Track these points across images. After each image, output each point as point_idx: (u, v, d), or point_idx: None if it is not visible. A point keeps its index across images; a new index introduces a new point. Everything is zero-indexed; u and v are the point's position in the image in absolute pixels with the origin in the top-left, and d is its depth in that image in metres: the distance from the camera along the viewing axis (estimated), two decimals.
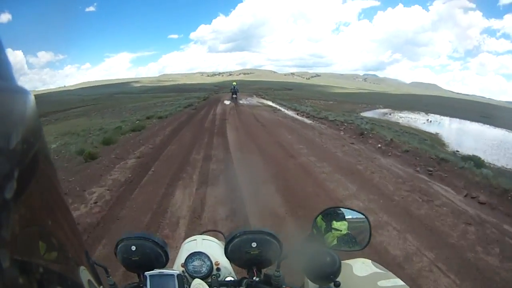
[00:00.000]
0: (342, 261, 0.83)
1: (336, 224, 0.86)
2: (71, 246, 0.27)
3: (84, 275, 0.28)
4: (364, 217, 0.89)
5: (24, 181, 0.20)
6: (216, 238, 1.18)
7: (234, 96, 20.44)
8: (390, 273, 0.87)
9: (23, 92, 0.22)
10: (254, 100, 25.13)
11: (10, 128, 0.19)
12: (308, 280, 0.82)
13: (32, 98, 0.23)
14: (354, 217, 0.90)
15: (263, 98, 28.72)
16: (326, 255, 0.78)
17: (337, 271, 0.77)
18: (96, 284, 0.31)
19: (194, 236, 1.16)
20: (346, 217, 0.89)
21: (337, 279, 0.78)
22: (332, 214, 0.89)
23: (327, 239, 0.86)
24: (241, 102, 21.29)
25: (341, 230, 0.85)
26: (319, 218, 0.88)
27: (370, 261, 0.94)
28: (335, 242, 0.86)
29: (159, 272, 0.81)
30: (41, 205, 0.23)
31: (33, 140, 0.22)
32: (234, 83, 22.00)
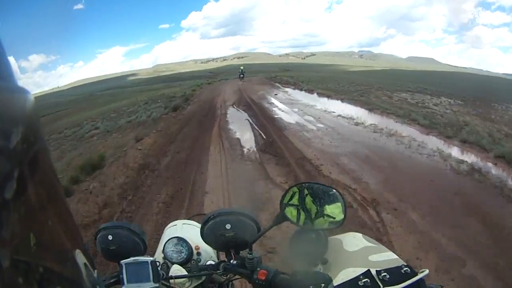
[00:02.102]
0: (332, 237, 0.89)
1: (329, 210, 0.75)
2: (71, 246, 0.28)
3: (80, 258, 0.28)
4: (336, 191, 0.77)
5: (24, 181, 0.20)
6: (199, 222, 1.05)
7: (242, 76, 24.52)
8: (382, 247, 0.86)
9: (23, 92, 0.22)
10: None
11: (10, 127, 0.19)
12: (295, 259, 0.86)
13: (32, 98, 0.23)
14: (325, 191, 0.78)
15: (290, 86, 18.69)
16: (311, 233, 0.81)
17: (323, 248, 0.81)
18: (91, 268, 0.31)
19: (175, 221, 1.16)
20: (305, 192, 0.77)
21: (326, 256, 0.81)
22: (317, 193, 0.76)
23: (317, 224, 0.75)
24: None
25: (334, 218, 0.74)
26: (308, 200, 0.76)
27: (361, 235, 0.93)
28: (308, 223, 0.76)
29: (134, 260, 0.81)
30: (41, 205, 0.23)
31: (33, 140, 0.22)
32: (242, 68, 25.86)
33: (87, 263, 0.30)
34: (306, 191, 0.76)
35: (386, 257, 0.78)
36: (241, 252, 0.86)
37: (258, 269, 0.80)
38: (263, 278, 0.77)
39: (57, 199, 0.26)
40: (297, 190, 0.77)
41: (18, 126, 0.20)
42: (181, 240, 0.94)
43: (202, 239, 0.88)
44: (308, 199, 0.76)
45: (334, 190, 0.77)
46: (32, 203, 0.21)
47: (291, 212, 0.76)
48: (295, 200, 0.76)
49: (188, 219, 1.18)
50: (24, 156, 0.21)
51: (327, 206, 0.74)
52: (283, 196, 0.77)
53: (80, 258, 0.29)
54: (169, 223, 1.18)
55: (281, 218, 0.77)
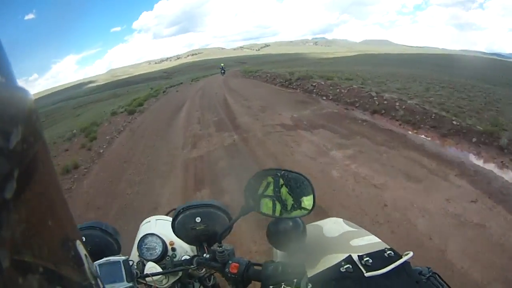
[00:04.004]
0: (311, 223, 0.85)
1: (306, 202, 0.71)
2: (71, 246, 0.28)
3: (81, 249, 0.29)
4: (304, 178, 0.72)
5: (24, 181, 0.20)
6: None
7: (223, 71, 27.48)
8: (363, 230, 0.83)
9: (23, 91, 0.22)
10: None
11: (10, 127, 0.19)
12: (275, 249, 0.82)
13: (31, 97, 0.23)
14: (297, 180, 0.73)
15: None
16: (288, 221, 0.74)
17: (301, 235, 0.75)
18: (91, 260, 0.32)
19: (149, 218, 1.13)
20: (280, 182, 0.72)
21: (306, 243, 0.76)
22: (292, 183, 0.71)
23: (292, 214, 0.71)
24: None
25: (308, 210, 0.70)
26: (283, 191, 0.71)
27: (341, 219, 0.90)
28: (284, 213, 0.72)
29: (106, 260, 0.79)
30: (41, 205, 0.23)
31: (33, 140, 0.22)
32: (222, 64, 29.79)
33: (87, 255, 0.31)
34: (281, 181, 0.72)
35: (368, 241, 0.77)
36: (214, 245, 0.84)
37: (230, 262, 0.78)
38: (235, 271, 0.75)
39: (57, 199, 0.27)
40: (272, 180, 0.73)
41: (18, 126, 0.20)
42: (154, 237, 0.91)
43: (174, 234, 0.87)
44: (284, 190, 0.72)
45: (306, 179, 0.72)
46: (32, 203, 0.21)
47: (266, 203, 0.73)
48: (270, 191, 0.73)
49: (167, 214, 1.14)
50: (24, 156, 0.21)
51: (304, 198, 0.71)
52: (249, 186, 0.74)
53: (81, 249, 0.30)
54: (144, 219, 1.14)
55: (249, 208, 0.74)
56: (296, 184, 0.72)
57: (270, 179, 0.73)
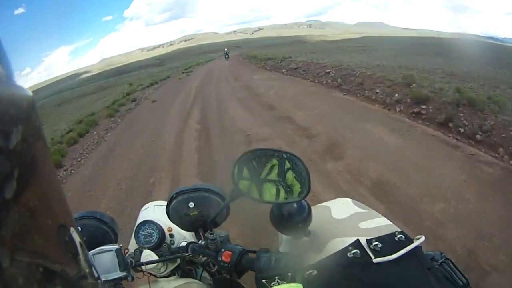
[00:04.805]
0: (319, 204, 0.82)
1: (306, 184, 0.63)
2: (71, 246, 0.28)
3: (75, 236, 0.29)
4: (296, 158, 0.65)
5: (24, 181, 0.20)
6: None
7: (227, 56, 28.15)
8: (374, 212, 0.78)
9: (22, 91, 0.22)
10: None
11: (10, 127, 0.19)
12: (280, 233, 0.77)
13: (31, 97, 0.23)
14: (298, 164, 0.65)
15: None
16: (293, 203, 0.69)
17: (306, 218, 0.69)
18: (86, 249, 0.32)
19: (148, 204, 1.08)
20: (286, 165, 0.65)
21: (313, 225, 0.71)
22: (296, 165, 0.65)
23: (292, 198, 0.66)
24: None
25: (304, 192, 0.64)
26: (290, 175, 0.64)
27: (350, 200, 0.85)
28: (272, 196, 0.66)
29: (99, 249, 0.78)
30: (41, 205, 0.23)
31: (33, 139, 0.22)
32: (226, 49, 31.45)
33: (82, 243, 0.30)
34: (288, 164, 0.65)
35: (378, 224, 0.72)
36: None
37: (223, 250, 0.74)
38: (228, 260, 0.72)
39: (57, 199, 0.27)
40: (277, 163, 0.65)
41: (18, 126, 0.20)
42: (151, 224, 0.88)
43: (170, 220, 0.84)
44: (291, 175, 0.65)
45: (300, 161, 0.65)
46: (32, 203, 0.21)
47: (269, 189, 0.66)
48: (273, 175, 0.66)
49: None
50: (24, 156, 0.21)
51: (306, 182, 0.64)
52: (239, 166, 0.67)
53: (76, 236, 0.29)
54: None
55: (238, 193, 0.68)
56: (301, 168, 0.64)
57: (274, 161, 0.66)
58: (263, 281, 0.66)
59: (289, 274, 0.64)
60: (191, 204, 0.81)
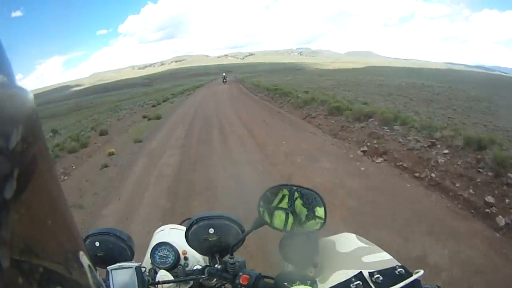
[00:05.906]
0: (324, 238, 0.84)
1: (319, 211, 0.73)
2: (73, 247, 0.28)
3: (84, 260, 0.29)
4: (315, 193, 0.74)
5: (24, 181, 0.20)
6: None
7: (225, 80, 30.96)
8: (376, 247, 0.81)
9: (22, 91, 0.23)
10: None
11: (10, 127, 0.19)
12: (286, 262, 0.82)
13: (31, 97, 0.24)
14: (310, 194, 0.75)
15: None
16: (301, 236, 0.75)
17: (314, 251, 0.76)
18: (94, 270, 0.32)
19: (163, 226, 1.14)
20: (295, 195, 0.74)
21: (319, 258, 0.77)
22: (307, 196, 0.74)
23: (306, 226, 0.73)
24: None
25: (323, 218, 0.73)
26: (298, 203, 0.73)
27: (354, 235, 0.88)
28: (297, 226, 0.73)
29: (119, 265, 0.81)
30: (41, 205, 0.23)
31: (33, 139, 0.22)
32: (224, 74, 34.47)
33: (91, 265, 0.30)
34: (296, 194, 0.74)
35: (380, 258, 0.75)
36: (225, 256, 0.84)
37: (240, 273, 0.79)
38: (245, 283, 0.77)
39: (57, 199, 0.27)
40: (287, 193, 0.74)
41: (18, 126, 0.20)
42: (167, 245, 0.94)
43: (188, 244, 0.88)
44: (299, 202, 0.73)
45: (317, 194, 0.74)
46: (32, 203, 0.21)
47: (279, 216, 0.73)
48: (284, 204, 0.74)
49: (181, 223, 1.16)
50: (24, 156, 0.21)
51: (318, 208, 0.73)
52: (263, 199, 0.74)
53: (84, 260, 0.29)
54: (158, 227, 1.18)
55: (262, 221, 0.74)
56: (310, 197, 0.74)
57: (285, 191, 0.75)
58: (285, 283, 0.71)
59: (309, 281, 0.68)
60: (211, 230, 0.85)
